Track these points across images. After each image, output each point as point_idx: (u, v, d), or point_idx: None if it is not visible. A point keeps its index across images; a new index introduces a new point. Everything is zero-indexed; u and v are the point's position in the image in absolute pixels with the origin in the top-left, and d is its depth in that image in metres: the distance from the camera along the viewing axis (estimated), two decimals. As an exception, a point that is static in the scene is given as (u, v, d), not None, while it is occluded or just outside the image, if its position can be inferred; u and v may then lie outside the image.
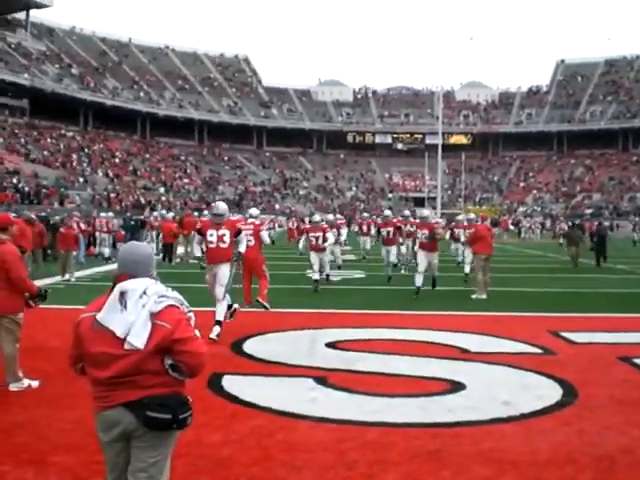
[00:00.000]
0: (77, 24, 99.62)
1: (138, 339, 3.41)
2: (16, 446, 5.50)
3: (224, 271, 10.59)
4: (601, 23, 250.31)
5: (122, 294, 3.51)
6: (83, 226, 25.25)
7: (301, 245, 18.55)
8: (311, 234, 16.95)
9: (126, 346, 3.42)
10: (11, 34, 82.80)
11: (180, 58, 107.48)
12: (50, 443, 5.54)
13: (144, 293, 3.51)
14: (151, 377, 3.47)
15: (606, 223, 58.86)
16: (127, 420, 3.44)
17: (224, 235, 10.64)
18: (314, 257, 16.74)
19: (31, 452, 5.35)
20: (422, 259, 15.83)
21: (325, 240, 16.74)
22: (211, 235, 10.66)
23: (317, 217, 18.02)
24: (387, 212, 21.38)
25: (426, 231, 15.91)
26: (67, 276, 18.83)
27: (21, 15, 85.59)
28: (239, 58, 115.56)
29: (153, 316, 3.47)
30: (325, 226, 17.43)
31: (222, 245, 10.64)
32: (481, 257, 15.97)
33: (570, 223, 45.35)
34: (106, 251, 26.35)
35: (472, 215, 17.75)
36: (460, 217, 21.19)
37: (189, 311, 3.67)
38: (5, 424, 6.11)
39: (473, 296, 15.59)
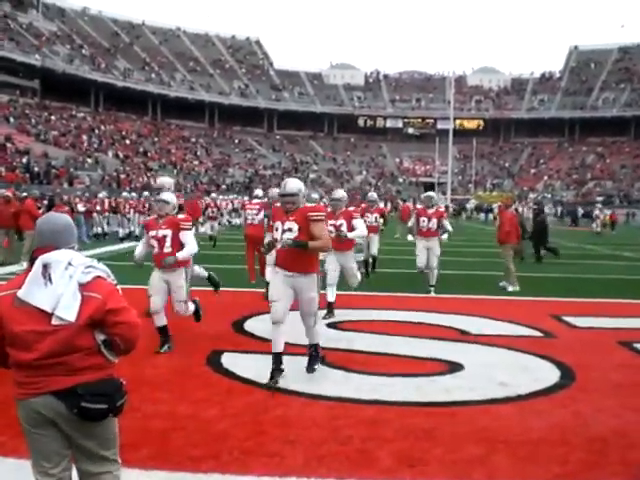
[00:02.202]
0: (88, 4, 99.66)
1: (68, 311, 3.22)
2: (14, 418, 5.56)
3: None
4: (615, 10, 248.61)
5: (45, 267, 3.29)
6: (81, 207, 25.18)
7: None
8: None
9: (54, 321, 3.22)
10: (22, 14, 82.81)
11: (191, 40, 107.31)
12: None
13: (69, 264, 3.32)
14: (83, 357, 3.28)
15: (547, 210, 58.76)
16: (58, 409, 3.28)
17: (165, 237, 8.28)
18: None
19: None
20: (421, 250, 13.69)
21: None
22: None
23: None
24: (373, 195, 17.12)
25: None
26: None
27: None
28: (250, 40, 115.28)
29: (82, 287, 3.29)
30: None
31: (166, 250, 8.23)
32: (508, 247, 15.02)
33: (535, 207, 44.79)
34: (120, 231, 26.47)
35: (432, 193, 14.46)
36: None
37: (116, 284, 3.49)
38: (3, 396, 6.18)
39: (510, 288, 14.59)
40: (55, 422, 3.31)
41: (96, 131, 72.84)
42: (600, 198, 72.34)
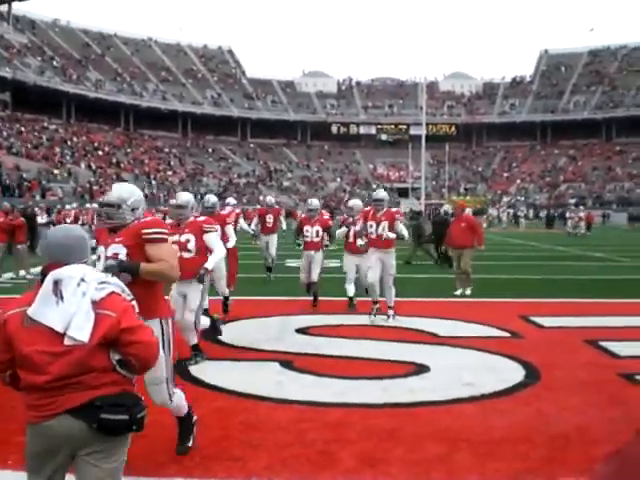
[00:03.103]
0: (59, 16, 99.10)
1: (81, 332, 3.03)
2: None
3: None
4: (584, 14, 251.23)
5: (56, 283, 3.10)
6: (42, 219, 25.05)
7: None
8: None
9: (67, 341, 3.03)
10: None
11: (163, 50, 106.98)
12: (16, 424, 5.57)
13: (82, 280, 3.13)
14: (99, 376, 3.09)
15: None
16: (75, 429, 3.03)
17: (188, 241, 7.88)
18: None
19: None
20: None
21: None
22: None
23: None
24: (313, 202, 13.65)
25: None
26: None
27: (3, 7, 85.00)
28: (222, 49, 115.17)
29: (95, 305, 3.10)
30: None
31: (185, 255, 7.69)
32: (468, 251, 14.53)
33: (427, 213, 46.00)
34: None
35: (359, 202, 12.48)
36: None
37: (131, 299, 3.30)
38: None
39: (468, 291, 14.34)
40: (73, 447, 3.07)
41: (68, 143, 72.39)
42: (573, 200, 73.09)
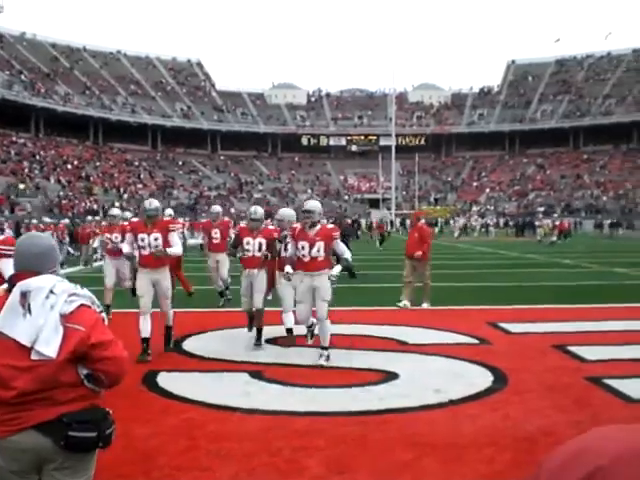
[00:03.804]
0: (27, 30, 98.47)
1: (48, 346, 2.90)
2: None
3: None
4: (551, 24, 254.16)
5: (24, 295, 2.97)
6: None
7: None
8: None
9: (33, 356, 2.90)
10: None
11: (132, 62, 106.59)
12: None
13: (51, 292, 2.99)
14: (66, 391, 2.98)
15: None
16: (41, 445, 2.93)
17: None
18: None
19: None
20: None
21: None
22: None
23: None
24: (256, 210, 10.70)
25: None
26: None
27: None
28: (192, 62, 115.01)
29: (64, 318, 2.97)
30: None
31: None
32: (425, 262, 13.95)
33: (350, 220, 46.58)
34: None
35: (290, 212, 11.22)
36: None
37: (101, 311, 3.20)
38: None
39: (425, 305, 13.72)
40: (39, 463, 2.98)
41: (37, 157, 71.87)
42: (541, 208, 73.74)
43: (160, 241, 9.18)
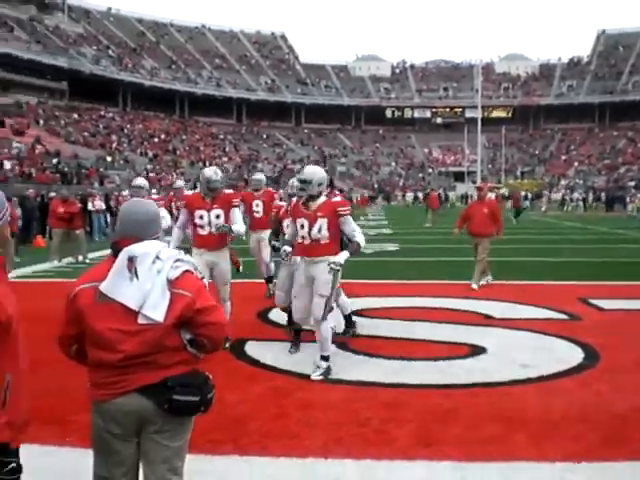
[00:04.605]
0: (113, 5, 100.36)
1: (156, 311, 2.95)
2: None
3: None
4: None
5: (131, 260, 2.99)
6: (98, 204, 25.57)
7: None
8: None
9: (141, 320, 2.95)
10: (48, 17, 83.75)
11: (217, 36, 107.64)
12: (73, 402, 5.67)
13: (157, 257, 3.03)
14: (170, 355, 3.01)
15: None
16: (144, 408, 2.98)
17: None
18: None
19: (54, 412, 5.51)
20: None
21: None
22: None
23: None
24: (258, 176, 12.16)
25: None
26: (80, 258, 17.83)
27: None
28: (276, 35, 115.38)
29: (170, 283, 3.00)
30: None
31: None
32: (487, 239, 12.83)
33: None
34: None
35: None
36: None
37: (202, 277, 3.24)
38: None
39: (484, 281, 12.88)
40: (138, 426, 3.04)
41: (125, 130, 73.44)
42: (632, 183, 71.57)
43: (222, 219, 7.85)
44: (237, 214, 8.03)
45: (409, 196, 76.10)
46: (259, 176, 12.06)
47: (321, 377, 6.61)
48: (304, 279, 6.99)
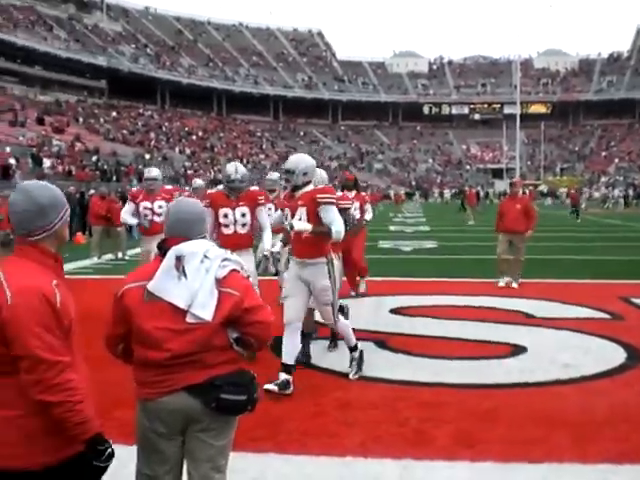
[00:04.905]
0: (151, 4, 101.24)
1: (205, 310, 2.95)
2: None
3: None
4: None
5: (179, 259, 3.00)
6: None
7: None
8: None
9: (189, 319, 2.95)
10: (87, 16, 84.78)
11: (254, 34, 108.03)
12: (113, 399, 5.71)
13: (205, 257, 3.03)
14: (217, 354, 3.02)
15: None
16: (190, 407, 2.98)
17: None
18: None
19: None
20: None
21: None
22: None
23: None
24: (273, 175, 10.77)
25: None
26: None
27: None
28: (312, 32, 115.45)
29: (218, 283, 3.01)
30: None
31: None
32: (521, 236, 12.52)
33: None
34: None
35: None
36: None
37: (248, 276, 3.25)
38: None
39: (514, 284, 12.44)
40: (183, 425, 3.04)
41: (163, 128, 74.00)
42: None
43: (248, 217, 7.51)
44: (263, 213, 7.66)
45: (447, 193, 75.75)
46: (274, 176, 10.65)
47: (357, 375, 6.53)
48: (297, 279, 6.38)
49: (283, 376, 6.10)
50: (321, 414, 5.52)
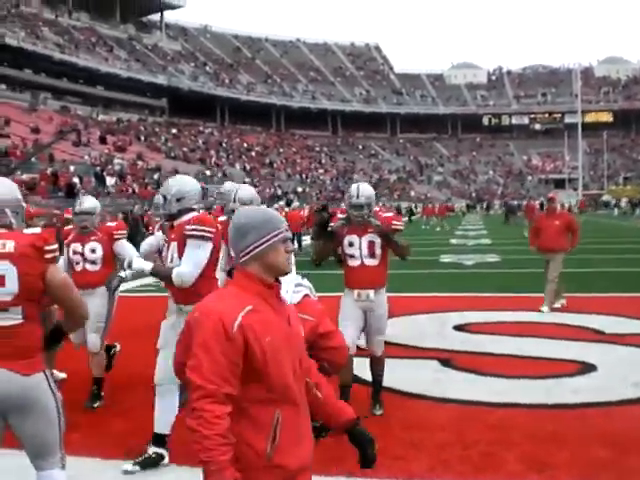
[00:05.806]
0: (209, 22, 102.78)
1: None
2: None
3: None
4: None
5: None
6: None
7: None
8: None
9: None
10: (147, 35, 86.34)
11: (311, 49, 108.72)
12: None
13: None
14: None
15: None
16: None
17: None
18: None
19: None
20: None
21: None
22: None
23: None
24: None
25: None
26: None
27: (156, 17, 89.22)
28: (370, 46, 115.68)
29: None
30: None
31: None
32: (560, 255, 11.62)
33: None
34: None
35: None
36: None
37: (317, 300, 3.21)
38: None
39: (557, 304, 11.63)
40: None
41: (223, 145, 74.77)
42: None
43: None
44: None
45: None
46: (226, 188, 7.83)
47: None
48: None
49: None
50: (386, 435, 5.44)
